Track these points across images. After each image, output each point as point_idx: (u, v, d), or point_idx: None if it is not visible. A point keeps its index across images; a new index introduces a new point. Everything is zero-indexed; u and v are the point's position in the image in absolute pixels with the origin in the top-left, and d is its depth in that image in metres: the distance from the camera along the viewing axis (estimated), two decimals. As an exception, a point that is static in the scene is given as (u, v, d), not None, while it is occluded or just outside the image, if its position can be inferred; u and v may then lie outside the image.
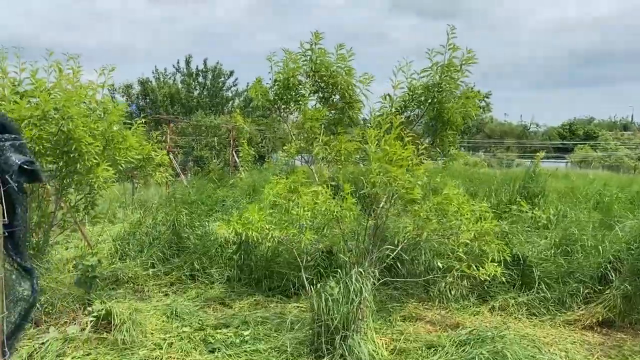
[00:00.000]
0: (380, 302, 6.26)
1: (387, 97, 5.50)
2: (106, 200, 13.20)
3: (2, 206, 1.94)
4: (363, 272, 4.70)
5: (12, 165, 1.94)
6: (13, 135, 2.01)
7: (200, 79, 26.69)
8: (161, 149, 6.27)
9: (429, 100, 5.53)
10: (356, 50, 5.42)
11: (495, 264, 5.14)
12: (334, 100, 5.52)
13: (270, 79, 5.47)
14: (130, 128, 5.82)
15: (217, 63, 26.56)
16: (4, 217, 1.98)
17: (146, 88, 25.86)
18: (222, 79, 26.87)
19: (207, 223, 7.78)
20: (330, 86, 5.42)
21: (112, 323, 5.02)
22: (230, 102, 27.18)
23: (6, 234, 2.02)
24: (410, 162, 4.70)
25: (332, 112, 5.53)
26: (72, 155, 4.86)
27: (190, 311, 5.99)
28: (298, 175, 5.20)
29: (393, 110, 5.53)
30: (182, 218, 7.65)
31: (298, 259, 5.71)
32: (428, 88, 5.49)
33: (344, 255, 5.20)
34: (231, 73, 27.06)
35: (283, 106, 5.52)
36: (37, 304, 5.12)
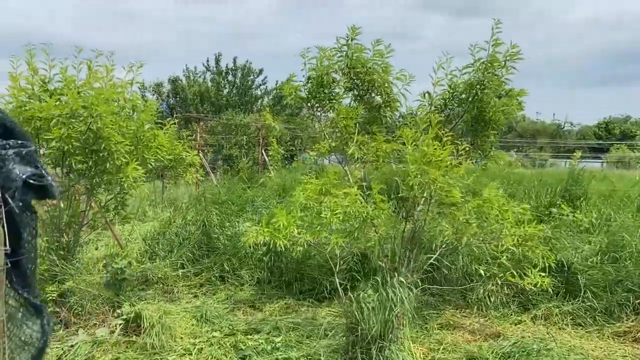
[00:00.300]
0: (415, 308, 6.02)
1: (426, 94, 5.25)
2: (136, 199, 13.29)
3: (3, 230, 1.60)
4: (404, 281, 4.47)
5: (14, 180, 1.59)
6: (20, 142, 1.64)
7: (230, 78, 26.75)
8: (192, 148, 6.14)
9: (470, 99, 5.26)
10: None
11: (540, 272, 4.85)
12: (370, 98, 5.29)
13: (303, 77, 5.28)
14: (161, 127, 5.71)
15: (247, 61, 26.64)
16: (5, 245, 1.62)
17: (176, 86, 26.05)
18: (252, 77, 26.88)
19: (237, 223, 7.64)
20: (366, 84, 5.20)
21: (142, 326, 4.92)
22: (260, 101, 27.17)
23: (9, 264, 1.64)
24: (449, 163, 4.45)
25: (368, 110, 5.30)
26: (101, 155, 4.77)
27: (220, 314, 5.86)
28: (330, 177, 5.00)
29: (432, 108, 5.27)
30: (212, 218, 7.54)
31: (330, 263, 5.51)
32: (471, 85, 5.22)
33: (379, 260, 4.97)
34: (260, 71, 27.08)
35: (316, 104, 5.32)
36: (66, 306, 5.06)
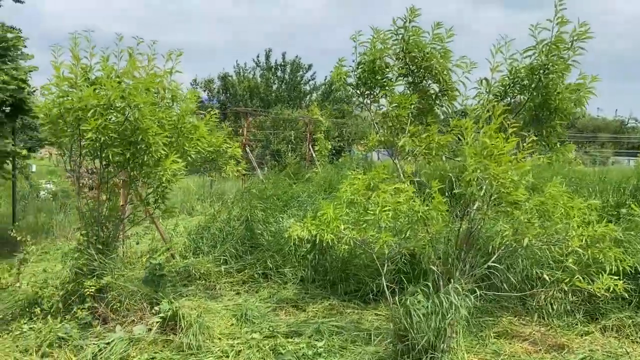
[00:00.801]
0: (468, 312, 5.58)
1: (484, 81, 4.79)
2: (177, 194, 13.34)
3: None
4: (460, 289, 4.06)
5: None
6: None
7: (279, 73, 26.70)
8: (237, 142, 5.92)
9: (533, 85, 4.77)
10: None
11: (613, 276, 4.32)
12: (425, 86, 4.88)
13: (353, 62, 4.93)
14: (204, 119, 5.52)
15: (296, 57, 26.54)
16: None
17: (226, 83, 26.24)
18: (300, 72, 26.74)
19: (281, 219, 7.39)
20: (423, 70, 4.81)
21: (179, 325, 4.74)
22: (308, 96, 27.00)
23: None
24: (513, 157, 4.00)
25: (422, 99, 4.90)
26: (139, 146, 4.59)
27: (262, 313, 5.62)
28: (378, 171, 4.64)
29: (490, 97, 4.81)
30: (256, 213, 7.32)
31: (377, 263, 5.15)
32: (532, 70, 4.73)
33: (430, 262, 4.57)
34: (309, 67, 26.91)
35: (366, 92, 4.96)
36: (104, 302, 4.93)
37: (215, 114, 5.70)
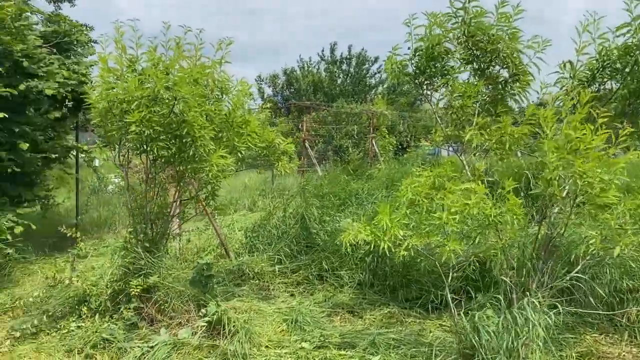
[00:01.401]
0: (546, 329, 4.95)
1: (567, 64, 4.15)
2: (238, 189, 13.29)
3: None
4: (537, 303, 3.51)
5: None
6: None
7: (344, 67, 26.27)
8: (298, 137, 5.59)
9: (627, 69, 4.08)
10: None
11: None
12: (493, 72, 4.32)
13: (409, 49, 4.44)
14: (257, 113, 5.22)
15: (362, 49, 25.97)
16: None
17: (290, 78, 26.15)
18: (366, 65, 26.17)
19: (338, 218, 6.99)
20: (489, 54, 4.24)
21: (225, 329, 4.47)
22: (374, 90, 26.39)
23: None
24: (603, 153, 3.39)
25: (490, 87, 4.33)
26: (184, 140, 4.34)
27: (315, 319, 5.26)
28: (445, 168, 4.13)
29: (575, 82, 4.16)
30: (312, 211, 6.97)
31: (440, 270, 4.65)
32: (627, 51, 4.04)
33: (502, 272, 4.02)
34: (375, 59, 26.25)
35: (425, 82, 4.46)
36: (151, 302, 4.75)
37: (268, 108, 5.40)
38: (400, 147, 16.64)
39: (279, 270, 6.57)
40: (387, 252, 3.91)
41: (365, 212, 7.23)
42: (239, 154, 4.90)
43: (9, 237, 6.32)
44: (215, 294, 4.95)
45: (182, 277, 4.88)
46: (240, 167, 5.23)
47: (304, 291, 6.29)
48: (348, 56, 26.41)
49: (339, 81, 26.16)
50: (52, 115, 7.31)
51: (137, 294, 4.63)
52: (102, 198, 11.12)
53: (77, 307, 5.06)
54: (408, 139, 18.21)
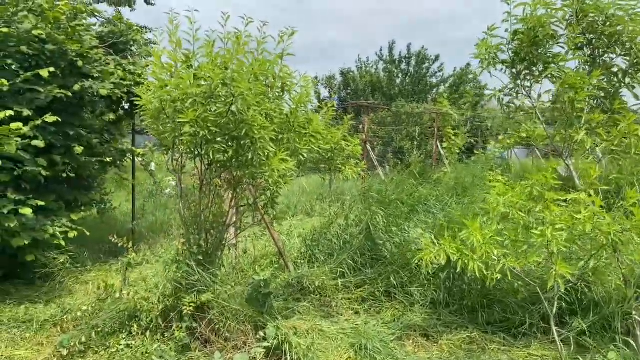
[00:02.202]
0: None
1: None
2: (296, 194, 12.81)
3: None
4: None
5: None
6: None
7: (403, 66, 25.38)
8: (357, 139, 5.00)
9: None
10: None
11: None
12: (609, 60, 3.57)
13: (507, 31, 3.76)
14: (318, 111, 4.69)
15: (422, 48, 24.96)
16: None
17: (347, 78, 25.54)
18: (427, 64, 25.17)
19: (407, 228, 6.35)
20: (605, 39, 3.50)
21: (285, 357, 3.95)
22: (435, 89, 25.34)
23: None
24: None
25: (606, 78, 3.59)
26: (242, 142, 3.85)
27: (384, 343, 4.66)
28: (546, 175, 3.44)
29: None
30: (377, 220, 6.36)
31: (539, 293, 3.95)
32: None
33: (627, 305, 3.28)
34: (436, 58, 25.13)
35: (524, 70, 3.77)
36: (205, 322, 4.30)
37: (333, 106, 4.86)
38: (465, 149, 15.70)
39: (342, 285, 6.00)
40: (477, 274, 3.26)
41: (435, 221, 6.55)
42: (301, 157, 4.37)
43: (62, 242, 6.09)
44: (274, 314, 4.44)
45: (238, 293, 4.40)
46: (301, 172, 4.70)
47: (370, 309, 5.70)
48: (407, 55, 25.52)
49: (397, 81, 25.32)
50: (108, 117, 7.08)
51: (189, 312, 4.19)
52: (158, 202, 10.95)
53: (127, 323, 4.69)
54: (474, 141, 17.21)
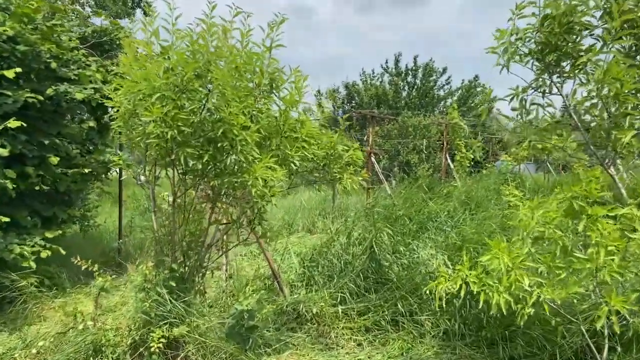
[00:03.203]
0: None
1: None
2: (297, 210, 12.16)
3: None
4: None
5: None
6: None
7: (410, 79, 24.78)
8: (355, 143, 4.35)
9: None
10: None
11: None
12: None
13: (534, 14, 3.13)
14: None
15: (430, 60, 24.37)
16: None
17: (351, 91, 24.97)
18: (434, 77, 24.56)
19: (415, 247, 5.67)
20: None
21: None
22: (442, 102, 24.69)
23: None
24: None
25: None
26: (220, 145, 3.23)
27: (390, 382, 3.98)
28: (589, 185, 2.78)
29: None
30: (382, 238, 5.70)
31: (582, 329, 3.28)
32: None
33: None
34: (444, 70, 24.56)
35: (552, 63, 3.13)
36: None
37: (327, 107, 4.24)
38: (474, 163, 15.02)
39: (342, 312, 5.32)
40: (503, 310, 2.60)
41: (447, 239, 5.88)
42: (292, 165, 3.74)
43: (32, 264, 5.48)
44: (260, 350, 3.77)
45: (216, 326, 3.74)
46: (293, 182, 4.07)
47: (374, 340, 5.02)
48: (414, 67, 24.94)
49: (404, 94, 24.73)
50: (88, 125, 6.50)
51: (159, 349, 3.53)
52: (148, 218, 10.32)
53: (92, 358, 4.04)
54: (482, 154, 16.53)
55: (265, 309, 3.91)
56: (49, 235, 5.96)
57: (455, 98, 24.33)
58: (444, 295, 2.81)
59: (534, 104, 3.18)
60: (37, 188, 5.89)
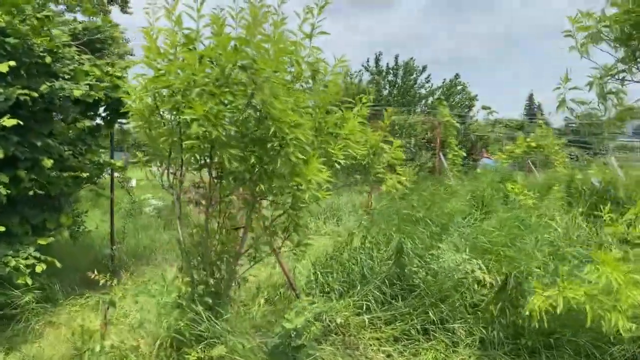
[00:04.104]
0: None
1: None
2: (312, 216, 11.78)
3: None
4: None
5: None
6: None
7: (391, 77, 24.68)
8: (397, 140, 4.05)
9: None
10: None
11: None
12: None
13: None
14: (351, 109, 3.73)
15: (410, 58, 24.28)
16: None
17: (331, 90, 24.65)
18: (414, 76, 24.51)
19: (441, 251, 5.41)
20: None
21: None
22: (424, 101, 24.65)
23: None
24: None
25: None
26: (269, 145, 2.88)
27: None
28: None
29: None
30: (405, 242, 5.41)
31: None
32: None
33: None
34: (424, 68, 24.52)
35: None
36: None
37: (367, 102, 3.92)
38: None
39: (368, 321, 5.02)
40: (621, 330, 2.33)
41: (468, 241, 5.63)
42: (336, 165, 3.42)
43: (28, 280, 5.00)
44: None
45: (259, 344, 3.38)
46: (335, 183, 3.74)
47: (405, 350, 4.73)
48: (395, 66, 24.82)
49: (385, 92, 24.58)
50: (82, 125, 6.02)
51: (196, 373, 3.16)
52: (139, 223, 9.81)
53: (110, 384, 3.63)
54: (468, 152, 16.50)
55: (313, 327, 3.55)
56: (42, 242, 5.47)
57: (435, 97, 24.32)
58: (537, 314, 2.52)
59: (610, 92, 2.95)
60: (30, 193, 5.40)
